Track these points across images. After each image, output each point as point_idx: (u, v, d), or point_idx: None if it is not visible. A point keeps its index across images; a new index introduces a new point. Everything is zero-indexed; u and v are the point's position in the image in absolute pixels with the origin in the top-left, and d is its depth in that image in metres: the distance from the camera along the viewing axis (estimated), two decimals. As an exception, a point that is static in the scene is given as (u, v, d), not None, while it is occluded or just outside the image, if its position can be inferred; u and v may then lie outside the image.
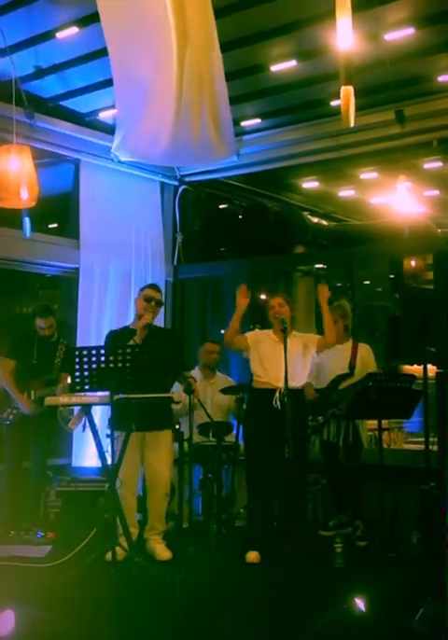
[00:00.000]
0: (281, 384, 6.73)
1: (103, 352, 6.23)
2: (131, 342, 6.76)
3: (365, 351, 7.90)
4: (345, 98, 5.35)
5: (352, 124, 5.48)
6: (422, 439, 7.83)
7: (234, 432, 8.00)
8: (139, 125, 7.19)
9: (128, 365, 6.18)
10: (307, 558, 6.47)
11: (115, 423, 6.28)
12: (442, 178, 11.71)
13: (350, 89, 5.34)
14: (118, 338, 7.11)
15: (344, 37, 5.21)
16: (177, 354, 7.38)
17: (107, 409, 6.41)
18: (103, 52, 7.86)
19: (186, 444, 7.61)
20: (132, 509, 7.02)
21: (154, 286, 7.34)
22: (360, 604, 4.95)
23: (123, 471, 6.62)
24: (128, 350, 6.27)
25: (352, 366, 7.73)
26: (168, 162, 8.15)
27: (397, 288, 13.01)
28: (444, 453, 7.05)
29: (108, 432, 6.42)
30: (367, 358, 7.86)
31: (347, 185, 12.44)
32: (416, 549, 6.84)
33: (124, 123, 7.26)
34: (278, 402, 6.82)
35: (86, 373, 6.19)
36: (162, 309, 8.03)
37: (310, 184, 12.24)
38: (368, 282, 14.61)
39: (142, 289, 7.31)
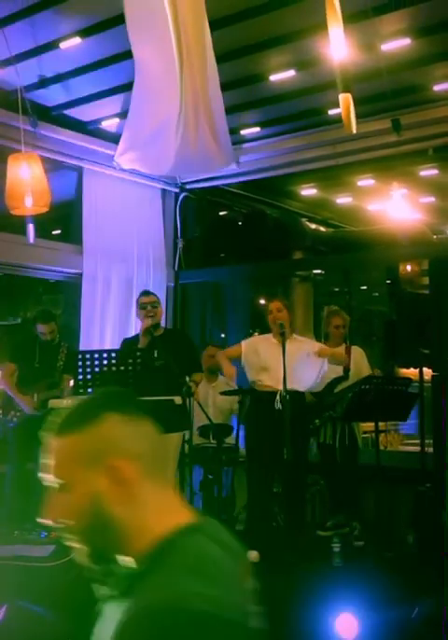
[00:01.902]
0: (282, 387, 6.74)
1: (105, 355, 6.25)
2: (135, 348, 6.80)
3: (358, 354, 7.90)
4: (345, 105, 5.37)
5: (354, 131, 5.50)
6: (418, 441, 7.84)
7: (234, 434, 8.01)
8: (142, 135, 7.19)
9: (130, 368, 6.20)
10: (305, 558, 6.47)
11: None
12: (438, 185, 11.73)
13: (348, 96, 5.36)
14: (129, 345, 7.15)
15: (338, 47, 5.24)
16: (190, 355, 7.37)
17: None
18: (105, 62, 7.92)
19: (186, 445, 7.62)
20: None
21: (145, 293, 7.41)
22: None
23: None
24: (130, 353, 6.30)
25: (346, 369, 7.73)
26: (168, 172, 8.16)
27: (393, 293, 13.02)
28: (441, 455, 7.06)
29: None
30: (360, 361, 7.86)
31: (345, 192, 12.46)
32: (412, 548, 6.85)
33: (129, 132, 7.27)
34: (279, 404, 6.84)
35: (89, 376, 6.21)
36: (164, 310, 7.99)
37: (308, 191, 12.26)
38: (365, 287, 14.64)
39: (137, 300, 7.35)
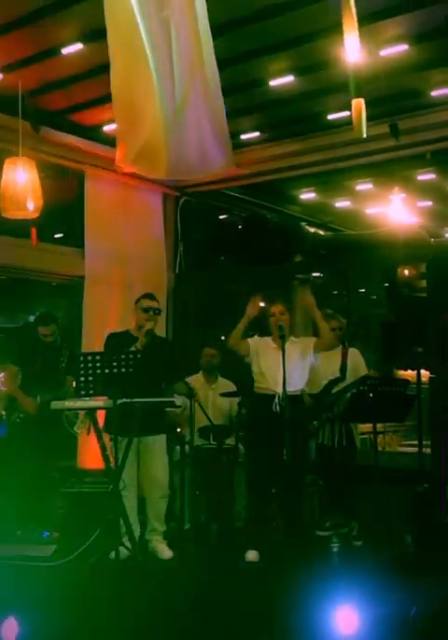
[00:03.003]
0: (280, 389, 6.74)
1: (106, 358, 6.25)
2: (132, 348, 6.78)
3: (355, 355, 7.90)
4: (357, 110, 5.38)
5: (365, 135, 5.50)
6: (416, 442, 7.84)
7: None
8: (139, 140, 7.21)
9: (131, 370, 6.20)
10: (305, 557, 6.47)
11: (115, 428, 6.28)
12: (435, 190, 11.73)
13: (361, 101, 5.37)
14: (118, 340, 7.12)
15: (353, 52, 5.25)
16: (173, 363, 7.38)
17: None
18: (106, 68, 7.91)
19: (187, 447, 7.62)
20: (132, 509, 7.03)
21: (150, 296, 7.35)
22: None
23: (124, 474, 6.66)
24: (130, 356, 6.29)
25: (343, 370, 7.72)
26: (169, 176, 8.15)
27: (391, 296, 13.01)
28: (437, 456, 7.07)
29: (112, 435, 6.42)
30: (357, 362, 7.85)
31: (344, 196, 12.45)
32: (410, 548, 6.85)
33: (123, 137, 7.28)
34: (278, 407, 6.84)
35: (90, 378, 6.21)
36: (163, 315, 7.96)
37: (307, 195, 12.26)
38: (363, 289, 14.62)
39: (138, 301, 7.30)
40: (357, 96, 5.40)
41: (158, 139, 6.82)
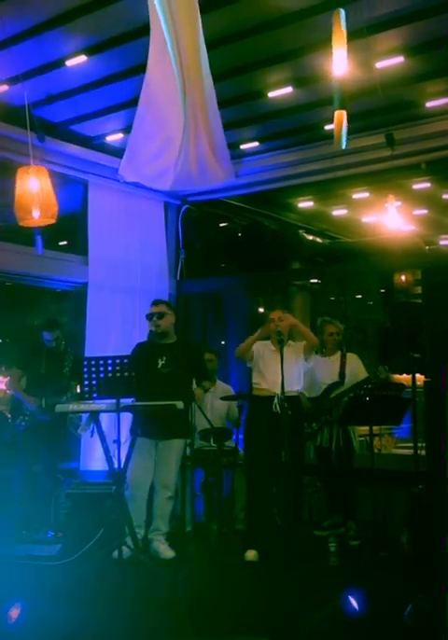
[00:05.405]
0: (279, 391, 6.76)
1: (110, 362, 6.28)
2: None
3: (353, 360, 7.92)
4: (338, 121, 5.39)
5: (344, 146, 5.51)
6: (411, 444, 7.83)
7: (234, 437, 8.02)
8: (145, 150, 7.21)
9: (133, 374, 6.22)
10: (303, 556, 6.46)
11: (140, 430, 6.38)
12: (430, 198, 11.74)
13: (343, 113, 5.38)
14: (139, 348, 7.24)
15: (339, 66, 5.27)
16: (198, 364, 7.42)
17: (115, 415, 6.38)
18: (109, 79, 7.95)
19: (188, 449, 7.62)
20: (141, 510, 7.03)
21: (153, 302, 7.41)
22: (353, 601, 4.96)
23: (135, 475, 6.66)
24: (123, 361, 6.34)
25: (342, 374, 7.74)
26: (170, 187, 8.15)
27: (387, 302, 13.03)
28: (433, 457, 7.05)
29: (115, 438, 6.43)
30: (356, 367, 7.87)
31: (340, 204, 12.45)
32: (406, 548, 6.84)
33: (133, 147, 7.28)
34: (277, 408, 6.85)
35: (94, 382, 6.23)
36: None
37: (305, 203, 12.25)
38: (360, 296, 14.63)
39: None
40: (341, 108, 5.42)
41: (167, 151, 6.83)
